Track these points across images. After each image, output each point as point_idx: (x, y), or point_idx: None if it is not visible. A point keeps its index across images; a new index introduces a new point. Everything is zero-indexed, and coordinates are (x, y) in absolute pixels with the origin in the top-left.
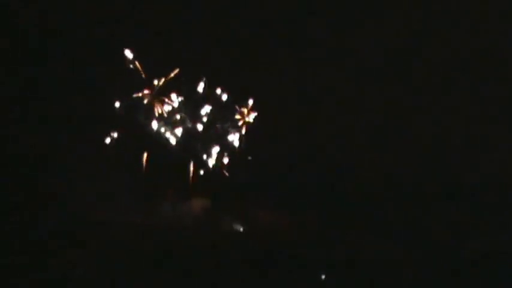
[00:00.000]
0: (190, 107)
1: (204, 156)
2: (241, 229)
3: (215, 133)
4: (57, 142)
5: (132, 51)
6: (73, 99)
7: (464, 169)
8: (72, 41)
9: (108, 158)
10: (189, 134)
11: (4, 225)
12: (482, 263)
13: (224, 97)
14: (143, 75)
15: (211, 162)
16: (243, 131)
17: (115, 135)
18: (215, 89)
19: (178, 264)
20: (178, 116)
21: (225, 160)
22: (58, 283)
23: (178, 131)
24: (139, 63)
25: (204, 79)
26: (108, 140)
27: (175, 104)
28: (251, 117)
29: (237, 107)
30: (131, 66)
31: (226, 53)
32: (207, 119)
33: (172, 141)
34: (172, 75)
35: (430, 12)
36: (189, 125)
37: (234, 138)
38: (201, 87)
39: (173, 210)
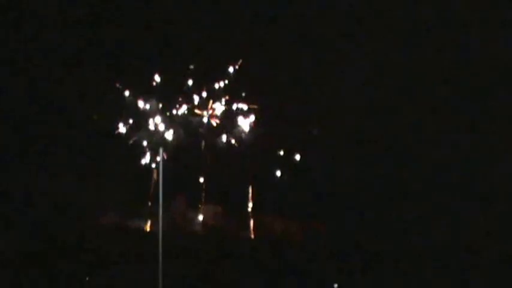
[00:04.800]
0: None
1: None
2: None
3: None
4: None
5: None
6: (75, 103)
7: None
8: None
9: (116, 164)
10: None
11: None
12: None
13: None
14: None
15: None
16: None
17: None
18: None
19: (188, 269)
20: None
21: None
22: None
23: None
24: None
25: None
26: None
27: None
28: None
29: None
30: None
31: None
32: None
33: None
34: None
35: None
36: (202, 132)
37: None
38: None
39: (184, 216)
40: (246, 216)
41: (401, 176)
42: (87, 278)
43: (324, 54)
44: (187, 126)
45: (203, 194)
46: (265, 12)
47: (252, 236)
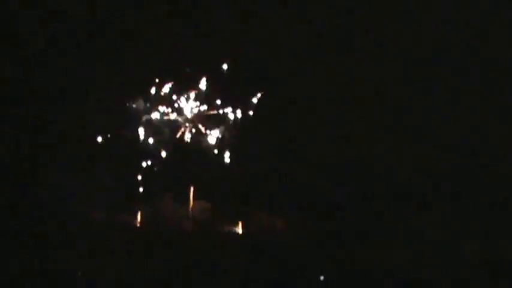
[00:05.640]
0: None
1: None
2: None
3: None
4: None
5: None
6: (66, 102)
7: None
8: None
9: (104, 159)
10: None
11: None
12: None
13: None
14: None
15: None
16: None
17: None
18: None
19: (177, 265)
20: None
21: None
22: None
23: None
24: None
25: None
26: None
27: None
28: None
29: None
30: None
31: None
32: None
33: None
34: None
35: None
36: (189, 129)
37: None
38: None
39: (172, 212)
40: (234, 212)
41: (397, 176)
42: (79, 273)
43: (323, 53)
44: (171, 128)
45: (191, 192)
46: (253, 11)
47: (240, 231)
